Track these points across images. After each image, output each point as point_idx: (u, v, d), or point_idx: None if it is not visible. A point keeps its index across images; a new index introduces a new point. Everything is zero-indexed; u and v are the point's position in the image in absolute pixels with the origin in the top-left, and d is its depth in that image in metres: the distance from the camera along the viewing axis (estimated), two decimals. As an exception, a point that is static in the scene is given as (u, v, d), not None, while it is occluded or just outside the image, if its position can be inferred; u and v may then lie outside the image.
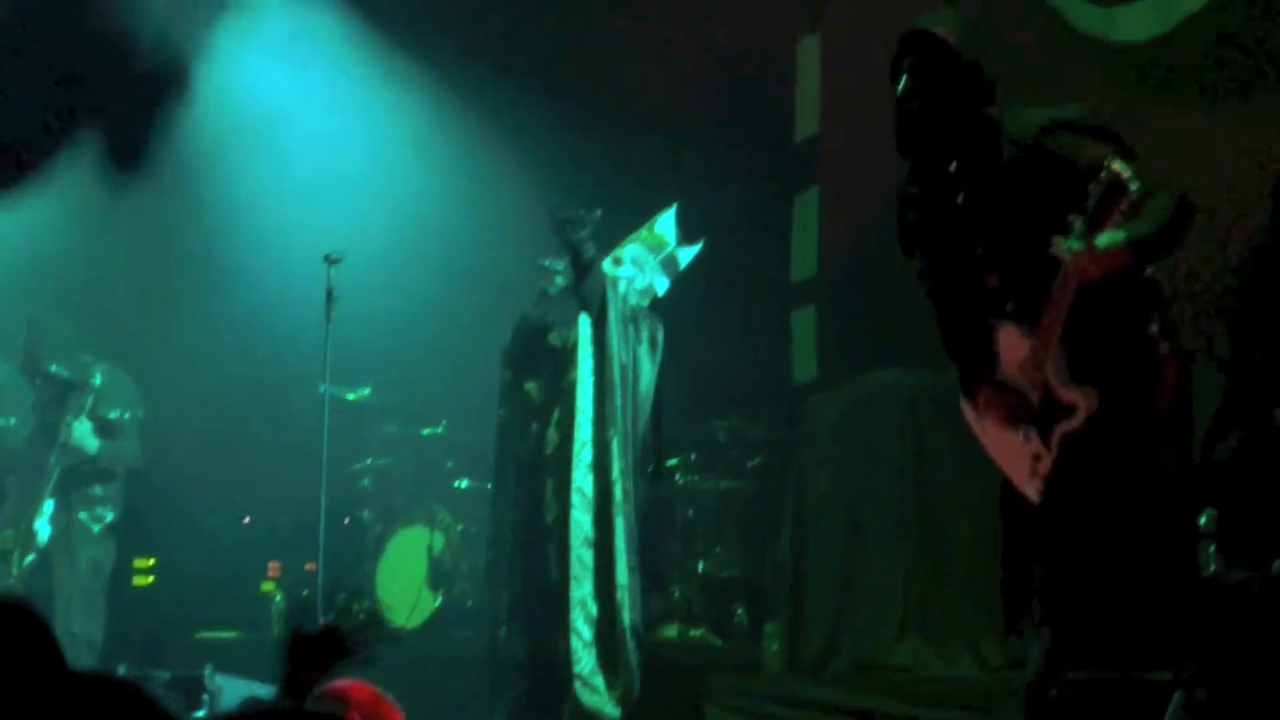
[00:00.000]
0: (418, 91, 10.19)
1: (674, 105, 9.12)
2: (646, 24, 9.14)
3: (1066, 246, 4.06)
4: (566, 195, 7.98)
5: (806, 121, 9.46)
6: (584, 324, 7.09)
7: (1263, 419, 5.46)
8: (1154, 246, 4.14)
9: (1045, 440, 4.22)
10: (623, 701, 6.88)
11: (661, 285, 7.31)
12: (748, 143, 9.31)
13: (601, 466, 7.11)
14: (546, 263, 7.36)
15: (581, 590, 7.07)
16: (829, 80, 9.37)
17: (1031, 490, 4.23)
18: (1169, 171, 5.12)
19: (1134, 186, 3.92)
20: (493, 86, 9.46)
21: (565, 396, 7.20)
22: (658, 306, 7.26)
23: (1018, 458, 4.24)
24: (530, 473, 7.44)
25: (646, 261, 7.28)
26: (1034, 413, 4.18)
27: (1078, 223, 4.00)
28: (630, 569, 7.05)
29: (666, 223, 7.40)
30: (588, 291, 7.02)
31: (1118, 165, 3.99)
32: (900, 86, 4.15)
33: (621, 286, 7.11)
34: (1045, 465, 4.15)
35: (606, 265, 7.12)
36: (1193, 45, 7.59)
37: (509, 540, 7.60)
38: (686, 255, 7.33)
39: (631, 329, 7.11)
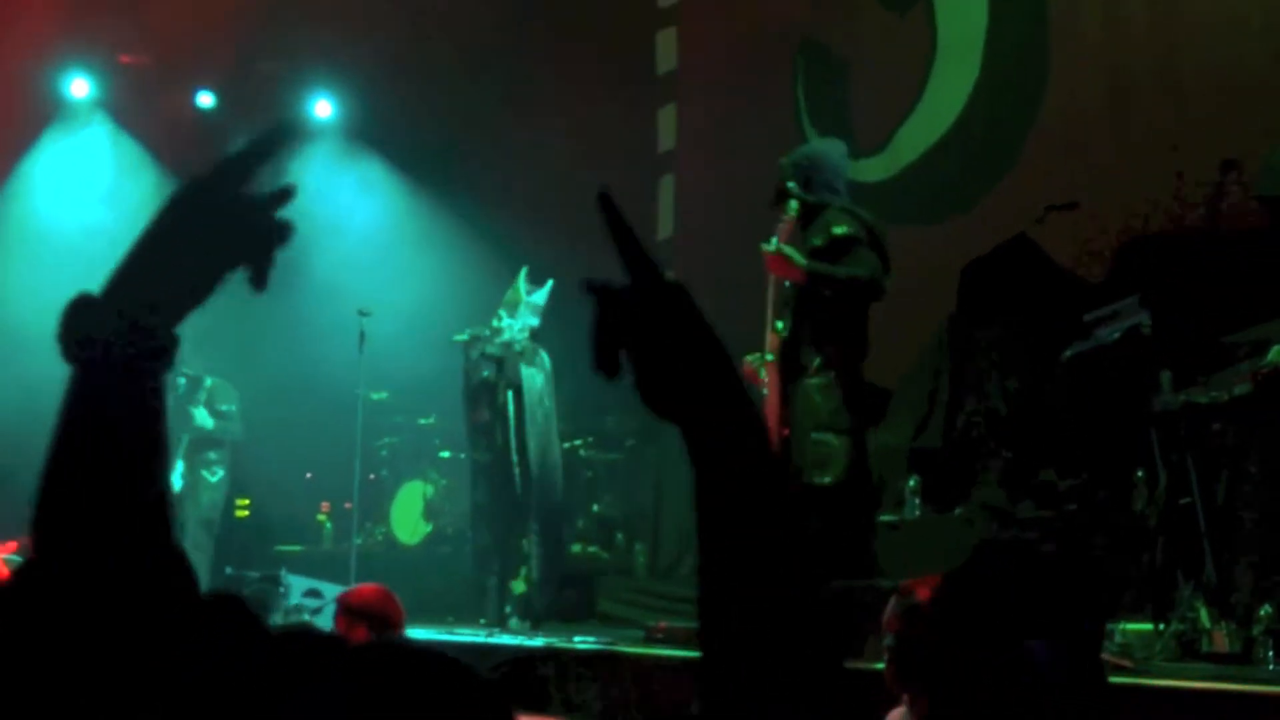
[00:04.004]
0: (411, 198, 11.97)
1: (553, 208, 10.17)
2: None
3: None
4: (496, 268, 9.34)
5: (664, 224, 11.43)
6: (507, 369, 8.25)
7: (965, 418, 7.69)
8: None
9: None
10: (526, 581, 8.22)
11: (533, 321, 8.23)
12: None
13: (522, 455, 8.25)
14: (475, 331, 8.47)
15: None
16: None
17: None
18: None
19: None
20: (464, 200, 11.33)
21: (503, 411, 8.35)
22: (537, 337, 8.28)
23: None
24: (495, 451, 8.54)
25: (517, 310, 8.23)
26: None
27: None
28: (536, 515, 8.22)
29: (520, 280, 8.36)
30: (505, 355, 8.26)
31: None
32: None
33: (514, 335, 8.16)
34: None
35: (495, 326, 8.19)
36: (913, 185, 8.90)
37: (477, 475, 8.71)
38: (540, 295, 8.29)
39: (525, 363, 8.24)
